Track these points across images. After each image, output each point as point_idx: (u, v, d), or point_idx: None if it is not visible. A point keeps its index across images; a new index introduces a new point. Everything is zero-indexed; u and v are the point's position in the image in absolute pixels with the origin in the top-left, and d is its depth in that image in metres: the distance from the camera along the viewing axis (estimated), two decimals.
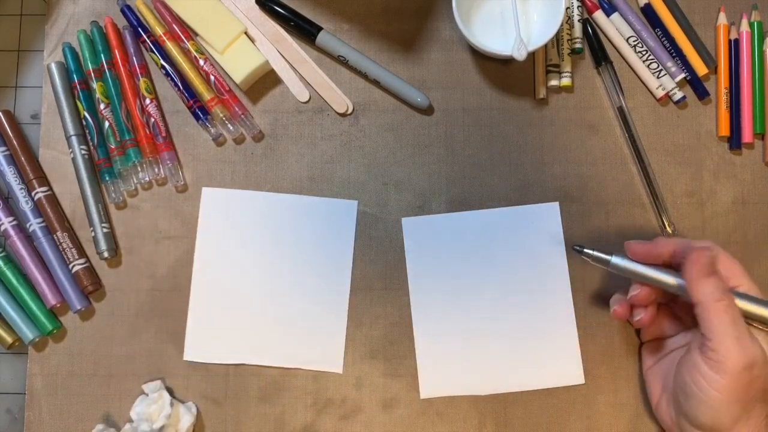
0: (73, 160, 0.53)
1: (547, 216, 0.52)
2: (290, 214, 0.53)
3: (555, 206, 0.52)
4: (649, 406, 0.49)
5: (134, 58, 0.53)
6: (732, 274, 0.44)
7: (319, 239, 0.52)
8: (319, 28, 0.54)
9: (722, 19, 0.54)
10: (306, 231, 0.52)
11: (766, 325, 0.43)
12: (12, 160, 0.53)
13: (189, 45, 0.53)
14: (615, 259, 0.45)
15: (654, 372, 0.48)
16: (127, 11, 0.54)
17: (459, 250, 0.52)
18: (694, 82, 0.54)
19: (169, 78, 0.53)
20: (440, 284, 0.51)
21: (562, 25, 0.51)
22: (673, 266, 0.45)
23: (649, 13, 0.55)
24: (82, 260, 0.51)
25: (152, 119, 0.53)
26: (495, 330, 0.51)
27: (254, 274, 0.52)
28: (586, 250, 0.46)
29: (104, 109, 0.52)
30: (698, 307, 0.42)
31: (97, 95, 0.53)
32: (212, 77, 0.53)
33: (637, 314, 0.46)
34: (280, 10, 0.54)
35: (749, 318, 0.43)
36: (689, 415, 0.43)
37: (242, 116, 0.53)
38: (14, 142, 0.52)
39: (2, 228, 0.52)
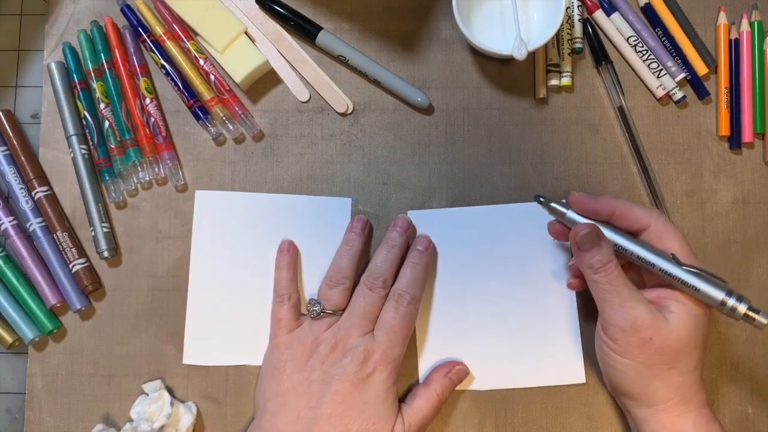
0: (73, 159, 0.53)
1: (549, 214, 0.52)
2: (284, 214, 0.52)
3: None
4: None
5: (134, 58, 0.53)
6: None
7: (314, 238, 0.52)
8: (319, 28, 0.53)
9: (722, 19, 0.54)
10: (300, 230, 0.52)
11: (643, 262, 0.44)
12: (12, 159, 0.53)
13: (189, 45, 0.53)
14: (570, 214, 0.46)
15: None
16: (127, 11, 0.54)
17: (460, 245, 0.52)
18: (694, 82, 0.54)
19: (169, 78, 0.53)
20: (441, 279, 0.51)
21: (562, 24, 0.51)
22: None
23: (649, 12, 0.54)
24: (82, 260, 0.51)
25: (152, 119, 0.53)
26: (496, 326, 0.51)
27: (250, 275, 0.52)
28: (553, 205, 0.47)
29: (104, 108, 0.52)
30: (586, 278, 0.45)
31: (97, 95, 0.53)
32: (212, 77, 0.53)
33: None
34: (280, 9, 0.54)
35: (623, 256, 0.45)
36: (608, 381, 0.47)
37: (242, 116, 0.53)
38: (14, 141, 0.52)
39: (2, 228, 0.52)
